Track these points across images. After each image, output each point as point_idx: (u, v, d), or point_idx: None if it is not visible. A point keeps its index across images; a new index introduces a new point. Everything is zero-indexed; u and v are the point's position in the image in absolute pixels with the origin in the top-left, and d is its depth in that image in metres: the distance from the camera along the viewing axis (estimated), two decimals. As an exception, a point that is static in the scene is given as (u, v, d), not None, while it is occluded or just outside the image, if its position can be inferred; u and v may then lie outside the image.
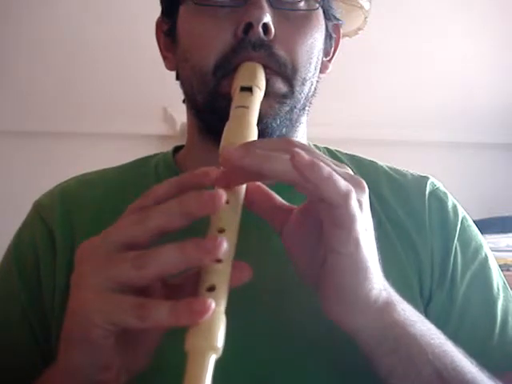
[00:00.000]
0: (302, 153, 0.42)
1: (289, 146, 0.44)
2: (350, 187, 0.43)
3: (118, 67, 1.84)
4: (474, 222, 0.69)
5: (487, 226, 1.83)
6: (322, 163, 0.42)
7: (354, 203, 0.43)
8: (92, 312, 0.39)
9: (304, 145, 0.45)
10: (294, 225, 0.48)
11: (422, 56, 1.96)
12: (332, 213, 0.42)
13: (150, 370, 0.45)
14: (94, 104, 1.94)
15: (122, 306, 0.38)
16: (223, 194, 0.39)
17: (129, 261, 0.38)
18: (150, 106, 1.97)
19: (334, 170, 0.44)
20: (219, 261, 0.40)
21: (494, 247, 1.77)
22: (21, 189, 1.60)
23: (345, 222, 0.43)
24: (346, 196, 0.42)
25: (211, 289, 0.39)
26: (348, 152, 0.72)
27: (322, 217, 0.44)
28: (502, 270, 0.68)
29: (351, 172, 0.46)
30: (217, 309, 0.38)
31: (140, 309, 0.38)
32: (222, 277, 0.40)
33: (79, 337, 0.40)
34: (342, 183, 0.42)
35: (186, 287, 0.42)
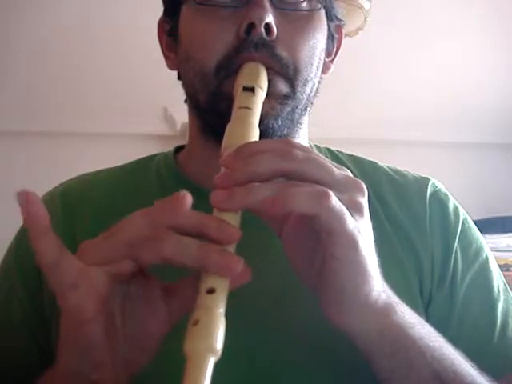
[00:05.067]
0: (256, 191, 0.41)
1: (287, 147, 0.44)
2: (322, 191, 0.42)
3: (119, 67, 1.84)
4: (474, 222, 0.69)
5: (487, 225, 1.83)
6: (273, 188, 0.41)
7: (333, 205, 0.41)
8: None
9: (303, 146, 0.45)
10: (293, 227, 0.47)
11: (422, 56, 1.96)
12: (316, 222, 0.42)
13: (148, 373, 0.45)
14: (94, 104, 1.94)
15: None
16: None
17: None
18: (150, 106, 1.97)
19: (333, 171, 0.44)
20: None
21: (494, 247, 1.78)
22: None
23: (333, 226, 0.42)
24: (318, 202, 0.41)
25: (211, 291, 0.39)
26: (349, 153, 0.72)
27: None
28: (502, 271, 0.68)
29: (351, 174, 0.46)
30: (216, 311, 0.38)
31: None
32: (221, 279, 0.40)
33: (73, 331, 0.40)
34: (309, 191, 0.41)
35: (185, 290, 0.43)
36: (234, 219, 0.43)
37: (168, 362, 0.46)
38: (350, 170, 0.47)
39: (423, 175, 0.71)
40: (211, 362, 0.36)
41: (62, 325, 0.42)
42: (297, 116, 0.62)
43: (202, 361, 0.36)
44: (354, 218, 0.43)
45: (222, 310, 0.39)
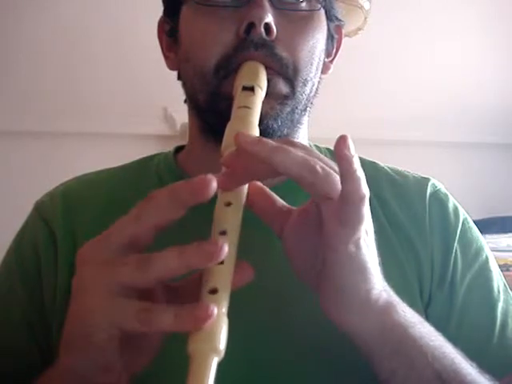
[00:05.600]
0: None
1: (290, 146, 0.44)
2: (368, 190, 0.43)
3: (119, 67, 1.85)
4: (474, 221, 0.69)
5: (487, 226, 1.84)
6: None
7: (367, 204, 0.43)
8: (97, 317, 0.38)
9: (303, 145, 0.45)
10: (293, 226, 0.48)
11: (422, 56, 1.96)
12: (342, 210, 0.42)
13: (151, 373, 0.44)
14: (94, 104, 1.94)
15: (127, 311, 0.38)
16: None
17: (131, 264, 0.38)
18: (150, 106, 1.97)
19: (334, 170, 0.44)
20: (221, 263, 0.40)
21: (494, 247, 1.78)
22: (21, 189, 1.60)
23: (352, 221, 0.43)
24: (365, 197, 0.42)
25: (213, 291, 0.39)
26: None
27: (327, 215, 0.44)
28: (502, 271, 0.68)
29: None
30: (219, 311, 0.38)
31: (145, 313, 0.38)
32: (224, 279, 0.40)
33: (82, 340, 0.40)
34: (364, 183, 0.42)
35: (189, 289, 0.42)
36: (234, 219, 0.43)
37: (169, 361, 0.46)
38: None
39: (423, 175, 0.71)
40: (215, 362, 0.36)
41: (69, 329, 0.41)
42: (297, 116, 0.62)
43: (206, 361, 0.36)
44: None
45: (224, 310, 0.39)
